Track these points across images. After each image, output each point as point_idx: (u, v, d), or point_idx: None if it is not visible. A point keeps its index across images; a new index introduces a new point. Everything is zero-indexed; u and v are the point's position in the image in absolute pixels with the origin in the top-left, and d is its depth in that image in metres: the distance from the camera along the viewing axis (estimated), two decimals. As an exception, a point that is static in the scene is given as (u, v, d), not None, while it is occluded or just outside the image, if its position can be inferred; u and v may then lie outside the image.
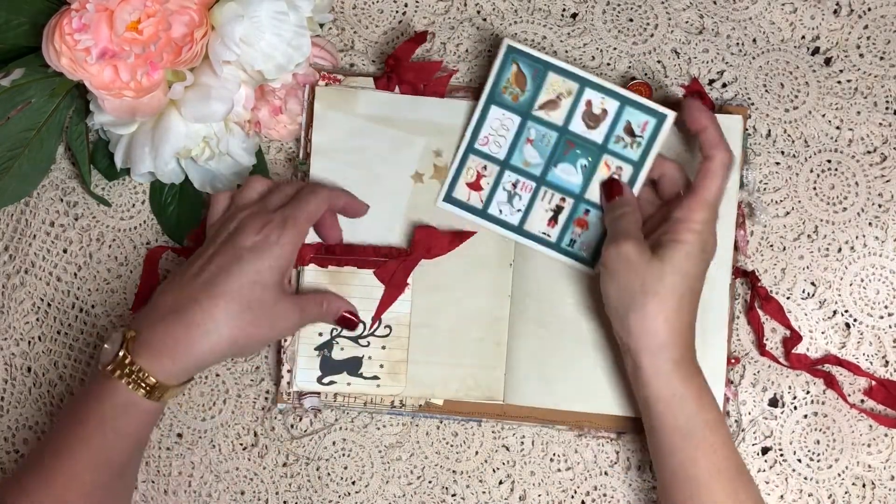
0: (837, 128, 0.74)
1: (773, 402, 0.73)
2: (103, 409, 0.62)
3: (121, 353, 0.61)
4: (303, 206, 0.66)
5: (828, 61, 0.75)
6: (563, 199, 0.71)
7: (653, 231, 0.67)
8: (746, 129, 0.72)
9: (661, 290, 0.63)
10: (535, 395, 0.71)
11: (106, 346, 0.63)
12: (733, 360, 0.72)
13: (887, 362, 0.72)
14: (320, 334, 0.72)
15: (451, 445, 0.73)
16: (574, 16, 0.76)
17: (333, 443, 0.73)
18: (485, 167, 0.72)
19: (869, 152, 0.74)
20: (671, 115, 0.69)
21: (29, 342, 0.75)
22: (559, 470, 0.73)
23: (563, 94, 0.70)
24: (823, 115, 0.74)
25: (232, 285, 0.63)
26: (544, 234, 0.71)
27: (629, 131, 0.70)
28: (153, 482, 0.73)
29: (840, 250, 0.73)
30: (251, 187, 0.68)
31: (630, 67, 0.75)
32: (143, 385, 0.61)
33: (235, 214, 0.67)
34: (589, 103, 0.70)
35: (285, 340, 0.72)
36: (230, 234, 0.65)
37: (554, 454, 0.73)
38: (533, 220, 0.72)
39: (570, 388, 0.71)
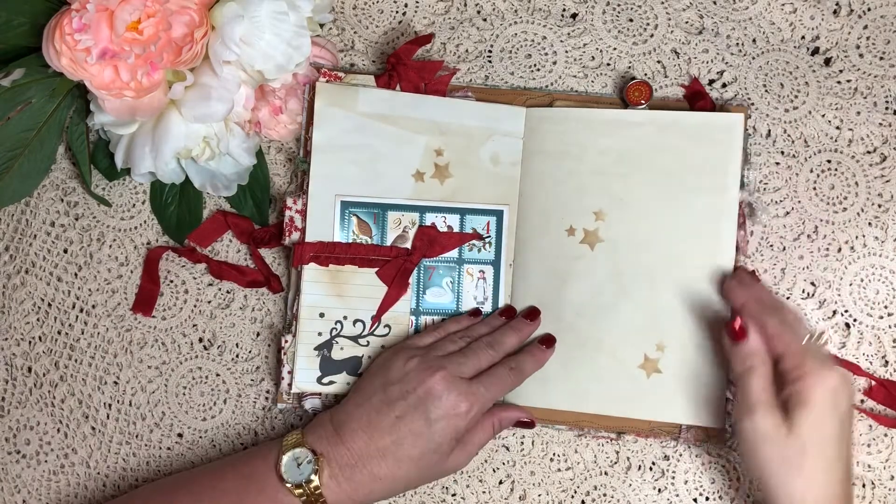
0: (837, 128, 0.74)
1: (773, 402, 0.73)
2: None
3: (313, 478, 0.63)
4: (494, 392, 0.67)
5: (828, 61, 0.75)
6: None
7: (782, 381, 0.63)
8: (746, 129, 0.72)
9: (805, 467, 0.60)
10: (533, 395, 0.71)
11: (287, 455, 0.64)
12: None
13: (887, 362, 0.72)
14: (319, 334, 0.72)
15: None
16: (574, 16, 0.76)
17: (333, 443, 0.73)
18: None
19: (869, 152, 0.74)
20: (506, 208, 0.72)
21: (29, 342, 0.75)
22: (559, 470, 0.73)
23: (409, 226, 0.72)
24: (823, 115, 0.74)
25: (416, 452, 0.64)
26: None
27: (477, 237, 0.73)
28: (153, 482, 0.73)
29: (840, 250, 0.73)
30: (454, 342, 0.69)
31: (630, 67, 0.75)
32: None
33: (433, 366, 0.66)
34: (434, 226, 0.72)
35: (286, 341, 0.72)
36: (424, 394, 0.65)
37: (554, 454, 0.73)
38: None
39: (569, 389, 0.71)
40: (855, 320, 0.73)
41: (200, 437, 0.74)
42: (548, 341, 0.70)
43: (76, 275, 0.75)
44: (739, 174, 0.71)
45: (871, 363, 0.72)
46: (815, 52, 0.75)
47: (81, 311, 0.75)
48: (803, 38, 0.75)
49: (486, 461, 0.73)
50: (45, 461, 0.74)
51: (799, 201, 0.74)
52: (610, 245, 0.71)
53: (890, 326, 0.73)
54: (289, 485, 0.63)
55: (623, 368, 0.70)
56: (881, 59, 0.74)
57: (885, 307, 0.73)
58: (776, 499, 0.61)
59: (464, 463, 0.67)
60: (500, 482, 0.73)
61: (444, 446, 0.65)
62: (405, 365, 0.67)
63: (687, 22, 0.75)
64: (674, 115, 0.71)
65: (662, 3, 0.75)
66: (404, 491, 0.67)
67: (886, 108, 0.74)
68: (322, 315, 0.72)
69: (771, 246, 0.74)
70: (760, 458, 0.62)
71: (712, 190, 0.70)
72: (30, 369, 0.75)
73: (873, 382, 0.72)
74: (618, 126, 0.71)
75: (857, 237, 0.73)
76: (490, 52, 0.75)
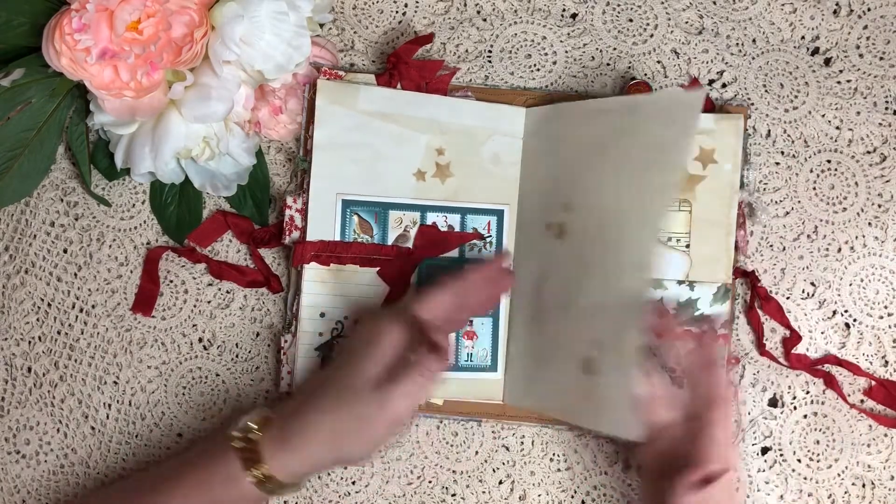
0: (837, 128, 0.74)
1: (773, 402, 0.73)
2: (212, 480, 0.63)
3: (251, 424, 0.63)
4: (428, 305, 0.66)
5: (828, 61, 0.75)
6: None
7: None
8: (746, 129, 0.72)
9: None
10: (512, 394, 0.71)
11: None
12: (733, 360, 0.72)
13: (887, 362, 0.72)
14: (320, 334, 0.72)
15: (451, 445, 0.73)
16: (574, 16, 0.76)
17: (333, 443, 0.73)
18: None
19: (869, 152, 0.74)
20: (506, 208, 0.72)
21: (29, 342, 0.75)
22: (559, 470, 0.73)
23: (410, 225, 0.72)
24: (823, 115, 0.74)
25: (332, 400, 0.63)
26: None
27: (478, 236, 0.73)
28: (153, 482, 0.73)
29: (840, 250, 0.73)
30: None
31: (630, 67, 0.75)
32: (258, 474, 0.62)
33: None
34: (434, 225, 0.72)
35: (285, 341, 0.72)
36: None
37: (554, 454, 0.73)
38: None
39: (543, 391, 0.70)
40: (855, 320, 0.73)
41: (200, 436, 0.74)
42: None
43: (76, 275, 0.75)
44: (739, 174, 0.71)
45: (871, 363, 0.73)
46: (815, 52, 0.75)
47: (81, 311, 0.75)
48: (803, 38, 0.75)
49: (486, 461, 0.73)
50: (45, 461, 0.74)
51: (799, 201, 0.74)
52: (575, 238, 0.70)
53: (890, 326, 0.73)
54: (230, 435, 0.63)
55: (570, 370, 0.67)
56: (881, 59, 0.74)
57: (885, 307, 0.73)
58: None
59: (404, 409, 0.63)
60: (500, 482, 0.73)
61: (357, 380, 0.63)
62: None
63: (687, 22, 0.75)
64: (637, 98, 0.70)
65: (662, 3, 0.75)
66: (343, 446, 0.63)
67: (886, 108, 0.74)
68: (323, 315, 0.72)
69: (771, 246, 0.74)
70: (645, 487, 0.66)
71: (664, 170, 0.65)
72: (29, 369, 0.75)
73: (873, 382, 0.72)
74: (595, 115, 0.70)
75: (857, 237, 0.73)
76: (490, 52, 0.75)
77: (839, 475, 0.72)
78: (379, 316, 0.66)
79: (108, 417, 0.75)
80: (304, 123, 0.73)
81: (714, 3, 0.75)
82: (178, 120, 0.69)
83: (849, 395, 0.72)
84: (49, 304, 0.75)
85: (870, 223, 0.73)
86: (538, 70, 0.75)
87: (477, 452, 0.73)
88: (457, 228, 0.73)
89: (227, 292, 0.75)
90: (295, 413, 0.63)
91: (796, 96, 0.74)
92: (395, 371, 0.63)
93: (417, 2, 0.76)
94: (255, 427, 0.63)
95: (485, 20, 0.76)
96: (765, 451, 0.72)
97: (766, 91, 0.74)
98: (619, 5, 0.75)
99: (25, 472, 0.74)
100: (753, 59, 0.75)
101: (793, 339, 0.72)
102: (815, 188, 0.74)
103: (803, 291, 0.73)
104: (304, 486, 0.71)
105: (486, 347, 0.73)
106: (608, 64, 0.75)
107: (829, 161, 0.74)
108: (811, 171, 0.74)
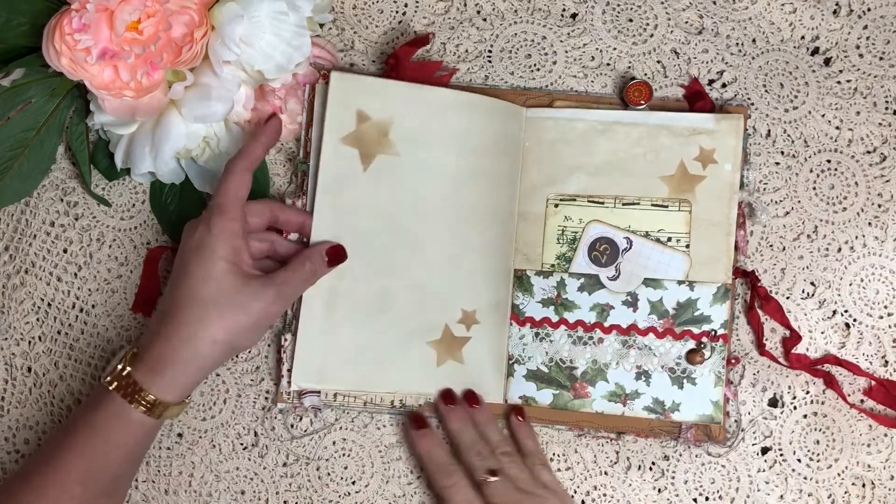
0: (837, 128, 0.74)
1: (773, 402, 0.73)
2: (96, 419, 0.63)
3: (119, 367, 0.63)
4: (221, 190, 0.65)
5: (827, 61, 0.75)
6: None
7: None
8: (746, 129, 0.72)
9: None
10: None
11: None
12: (733, 360, 0.72)
13: (887, 362, 0.72)
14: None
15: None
16: (574, 16, 0.76)
17: (333, 442, 0.73)
18: None
19: (869, 152, 0.74)
20: None
21: (29, 342, 0.75)
22: (559, 470, 0.73)
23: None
24: (823, 115, 0.74)
25: (188, 291, 0.64)
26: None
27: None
28: (153, 482, 0.73)
29: (840, 250, 0.73)
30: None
31: (630, 67, 0.75)
32: (143, 402, 0.63)
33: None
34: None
35: (285, 340, 0.72)
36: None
37: (554, 454, 0.73)
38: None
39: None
40: (855, 320, 0.73)
41: (200, 437, 0.74)
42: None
43: (76, 275, 0.75)
44: (739, 174, 0.71)
45: (871, 363, 0.72)
46: (815, 52, 0.75)
47: (81, 310, 0.75)
48: (803, 38, 0.75)
49: (486, 461, 0.73)
50: (45, 461, 0.74)
51: (799, 201, 0.74)
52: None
53: (890, 326, 0.73)
54: (106, 382, 0.63)
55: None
56: (881, 59, 0.74)
57: (885, 307, 0.73)
58: None
59: (270, 297, 0.65)
60: (500, 482, 0.73)
61: (211, 269, 0.64)
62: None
63: (687, 22, 0.75)
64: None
65: (662, 3, 0.75)
66: (229, 343, 0.64)
67: (886, 108, 0.74)
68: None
69: (771, 246, 0.74)
70: None
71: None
72: (29, 369, 0.75)
73: (873, 382, 0.72)
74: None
75: (857, 237, 0.73)
76: (490, 52, 0.75)
77: (839, 475, 0.72)
78: (194, 224, 0.66)
79: (108, 417, 0.74)
80: (305, 124, 0.73)
81: (714, 3, 0.75)
82: (178, 120, 0.69)
83: (849, 395, 0.72)
84: (49, 304, 0.75)
85: (870, 223, 0.73)
86: (538, 70, 0.75)
87: (477, 452, 0.73)
88: None
89: (227, 292, 0.75)
90: (165, 334, 0.63)
91: (796, 96, 0.74)
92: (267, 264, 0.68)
93: (417, 2, 0.76)
94: (124, 364, 0.63)
95: (485, 20, 0.76)
96: (765, 451, 0.72)
97: (766, 91, 0.74)
98: (619, 5, 0.75)
99: (25, 472, 0.74)
100: (753, 59, 0.75)
101: (793, 339, 0.72)
102: (814, 188, 0.74)
103: (803, 291, 0.73)
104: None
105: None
106: (608, 64, 0.75)
107: (829, 161, 0.74)
108: (811, 171, 0.74)
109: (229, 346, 0.65)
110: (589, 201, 0.72)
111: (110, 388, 0.63)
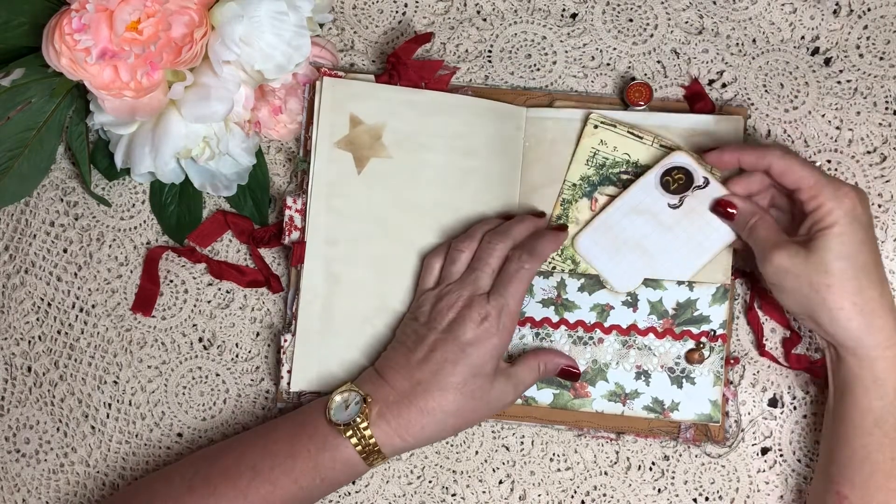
0: (837, 128, 0.74)
1: (773, 403, 0.73)
2: (322, 458, 0.64)
3: (358, 419, 0.64)
4: (512, 291, 0.67)
5: (827, 61, 0.75)
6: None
7: (797, 225, 0.66)
8: (746, 129, 0.72)
9: (833, 282, 0.62)
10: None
11: (336, 398, 0.65)
12: (733, 361, 0.72)
13: (887, 362, 0.72)
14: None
15: (451, 445, 0.73)
16: (574, 16, 0.76)
17: (333, 442, 0.73)
18: None
19: (869, 152, 0.74)
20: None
21: (29, 342, 0.75)
22: (559, 470, 0.73)
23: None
24: (823, 115, 0.74)
25: (458, 378, 0.65)
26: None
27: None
28: (153, 482, 0.73)
29: (840, 250, 0.73)
30: (459, 260, 0.69)
31: (630, 67, 0.75)
32: (370, 453, 0.64)
33: (450, 296, 0.67)
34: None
35: (285, 340, 0.72)
36: (450, 323, 0.66)
37: (554, 454, 0.73)
38: None
39: None
40: (855, 320, 0.73)
41: (200, 437, 0.74)
42: (561, 227, 0.72)
43: (76, 275, 0.75)
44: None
45: (870, 363, 0.72)
46: (815, 52, 0.75)
47: (81, 310, 0.75)
48: (803, 38, 0.75)
49: (486, 461, 0.73)
50: (45, 460, 0.75)
51: (799, 201, 0.74)
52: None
53: (890, 326, 0.73)
54: (339, 427, 0.64)
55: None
56: (881, 59, 0.74)
57: (885, 307, 0.73)
58: (821, 324, 0.63)
59: (511, 397, 0.67)
60: (500, 482, 0.73)
61: (486, 367, 0.65)
62: (427, 307, 0.68)
63: (687, 22, 0.75)
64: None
65: (662, 3, 0.75)
66: (459, 427, 0.66)
67: (886, 108, 0.74)
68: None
69: (771, 246, 0.73)
70: (791, 293, 0.64)
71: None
72: (29, 369, 0.75)
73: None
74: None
75: (856, 237, 0.73)
76: (490, 52, 0.75)
77: (839, 475, 0.72)
78: (483, 307, 0.66)
79: (107, 417, 0.75)
80: (304, 123, 0.73)
81: (714, 3, 0.75)
82: (178, 120, 0.69)
83: (848, 396, 0.72)
84: (49, 304, 0.75)
85: (870, 223, 0.73)
86: (538, 70, 0.75)
87: (477, 452, 0.73)
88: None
89: (227, 292, 0.75)
90: (418, 405, 0.65)
91: (796, 96, 0.74)
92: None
93: (417, 2, 0.76)
94: (363, 418, 0.64)
95: (485, 20, 0.76)
96: (765, 451, 0.72)
97: (766, 91, 0.74)
98: (619, 5, 0.75)
99: (25, 471, 0.75)
100: (753, 59, 0.75)
101: (793, 339, 0.72)
102: (815, 188, 0.74)
103: (803, 291, 0.73)
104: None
105: None
106: (608, 64, 0.75)
107: (829, 161, 0.74)
108: (811, 171, 0.74)
109: (460, 429, 0.67)
110: (629, 132, 0.72)
111: (347, 437, 0.64)
